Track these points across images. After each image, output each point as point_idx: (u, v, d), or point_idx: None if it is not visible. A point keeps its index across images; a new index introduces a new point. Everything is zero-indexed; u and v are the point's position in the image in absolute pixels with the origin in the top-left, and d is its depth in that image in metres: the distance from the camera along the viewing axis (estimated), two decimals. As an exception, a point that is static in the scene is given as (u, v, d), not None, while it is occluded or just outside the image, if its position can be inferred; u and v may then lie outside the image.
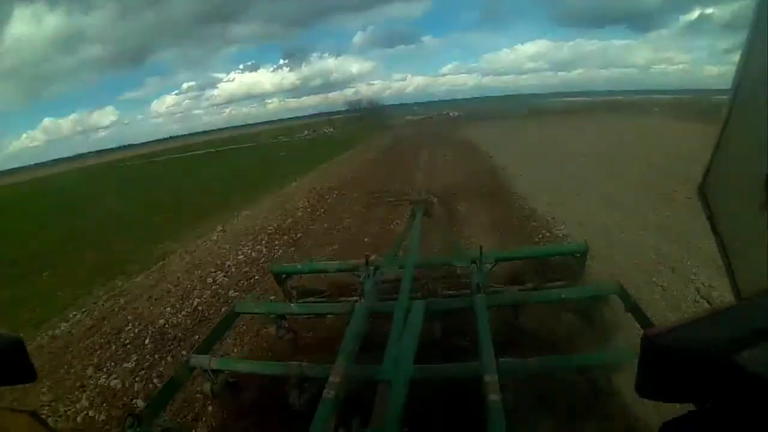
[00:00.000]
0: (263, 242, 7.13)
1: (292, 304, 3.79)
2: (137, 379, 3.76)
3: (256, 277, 5.56)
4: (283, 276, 3.91)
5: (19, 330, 5.12)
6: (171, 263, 6.75)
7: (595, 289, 3.36)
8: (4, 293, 6.67)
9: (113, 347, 4.36)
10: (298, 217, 8.66)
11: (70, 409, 3.50)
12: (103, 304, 5.52)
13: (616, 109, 29.03)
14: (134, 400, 3.46)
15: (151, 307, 5.13)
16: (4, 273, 7.81)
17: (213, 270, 6.04)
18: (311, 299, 3.94)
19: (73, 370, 4.09)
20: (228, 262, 6.27)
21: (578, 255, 3.62)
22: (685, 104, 27.18)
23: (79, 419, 3.38)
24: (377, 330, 2.74)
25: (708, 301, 3.98)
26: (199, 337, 4.30)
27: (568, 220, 6.66)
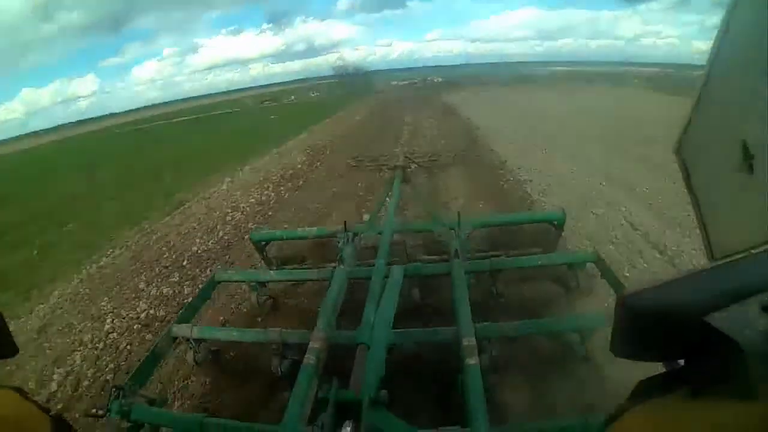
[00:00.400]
0: (270, 189, 7.95)
1: (272, 271, 3.82)
2: (184, 287, 4.66)
3: (269, 214, 6.48)
4: (263, 243, 3.95)
5: (64, 267, 5.97)
6: (190, 208, 7.55)
7: (572, 256, 3.49)
8: (40, 236, 7.46)
9: (156, 269, 5.23)
10: (297, 169, 9.45)
11: (131, 312, 4.36)
12: (137, 241, 6.36)
13: (596, 80, 29.65)
14: (185, 300, 4.38)
15: (182, 240, 5.99)
16: (31, 226, 8.51)
17: (230, 211, 6.89)
18: (290, 266, 4.01)
19: (126, 287, 4.96)
20: (242, 205, 7.12)
21: (555, 223, 3.66)
22: (665, 77, 27.88)
23: (142, 317, 4.28)
24: (361, 296, 2.73)
25: (632, 225, 5.00)
26: (229, 258, 5.22)
27: (532, 169, 7.59)
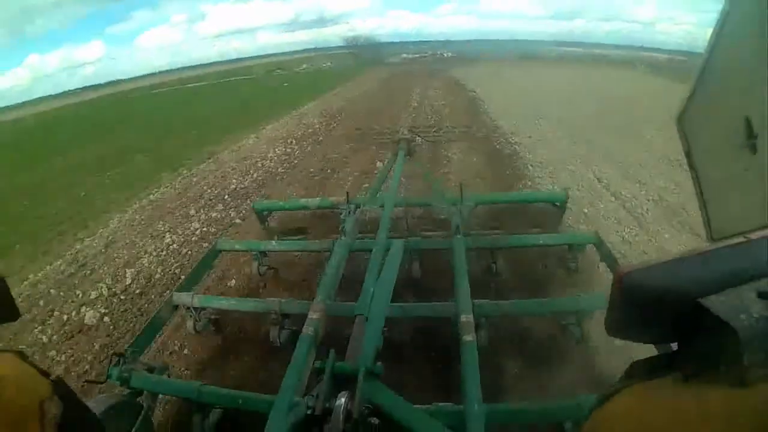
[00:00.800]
0: (293, 144, 8.82)
1: (273, 242, 3.81)
2: (230, 212, 5.60)
3: (295, 162, 7.38)
4: (265, 213, 3.98)
5: (113, 204, 6.89)
6: (222, 158, 8.44)
7: (573, 237, 3.50)
8: (85, 182, 8.38)
9: (202, 201, 6.16)
10: (316, 128, 10.28)
11: (186, 231, 5.28)
12: (179, 182, 7.28)
13: (602, 61, 29.89)
14: (235, 220, 5.32)
15: (220, 181, 6.91)
16: (72, 175, 9.42)
17: (259, 159, 7.79)
18: (292, 237, 4.02)
19: (178, 214, 5.88)
20: (270, 155, 8.02)
21: (558, 204, 3.68)
22: (670, 63, 27.98)
23: (196, 233, 5.20)
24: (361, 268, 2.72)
25: (598, 180, 5.87)
26: (264, 192, 6.15)
27: (522, 134, 8.48)
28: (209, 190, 6.53)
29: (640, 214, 4.85)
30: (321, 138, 9.17)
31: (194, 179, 7.29)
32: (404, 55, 42.59)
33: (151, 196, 6.91)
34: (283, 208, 4.19)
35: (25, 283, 4.63)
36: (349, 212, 3.42)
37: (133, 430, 1.95)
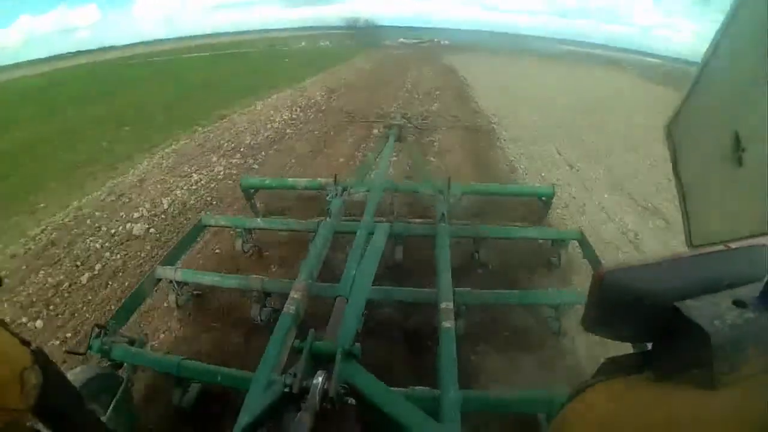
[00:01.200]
0: (297, 111, 9.81)
1: (258, 219, 3.86)
2: (248, 160, 6.64)
3: (300, 126, 8.47)
4: (252, 191, 4.01)
5: (141, 150, 7.74)
6: (233, 119, 9.37)
7: (557, 232, 3.56)
8: (104, 134, 9.24)
9: (220, 152, 7.13)
10: (317, 99, 11.24)
11: (211, 172, 6.27)
12: (197, 137, 8.21)
13: (592, 60, 31.07)
14: (253, 165, 6.32)
15: (234, 137, 7.89)
16: (91, 128, 10.19)
17: (268, 122, 8.76)
18: (278, 216, 4.04)
19: (200, 160, 6.84)
20: (277, 118, 8.99)
21: (544, 198, 3.76)
22: (658, 68, 29.13)
23: (220, 174, 6.17)
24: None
25: (558, 152, 7.05)
26: (277, 147, 7.15)
27: (499, 114, 9.64)
28: (226, 144, 7.51)
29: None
30: (324, 107, 10.20)
31: (210, 135, 8.23)
32: (402, 40, 43.08)
33: (173, 147, 7.82)
34: (270, 186, 4.20)
35: (68, 208, 5.42)
36: (336, 194, 3.47)
37: (113, 401, 1.96)
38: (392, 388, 1.65)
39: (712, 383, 0.47)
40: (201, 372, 2.10)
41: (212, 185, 5.79)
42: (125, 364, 2.16)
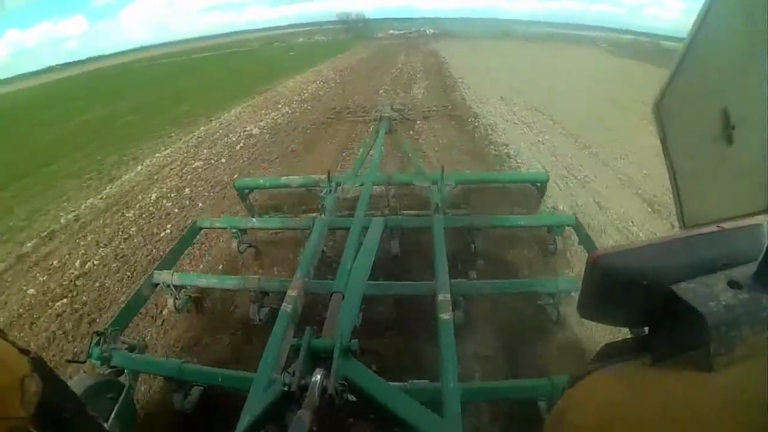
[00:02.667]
0: (321, 83, 13.78)
1: (254, 219, 3.84)
2: (303, 106, 10.39)
3: (328, 90, 12.48)
4: (246, 191, 3.95)
5: (221, 108, 11.09)
6: (277, 89, 13.23)
7: (552, 219, 3.53)
8: (188, 102, 12.86)
9: (279, 105, 10.83)
10: (333, 76, 15.24)
11: (279, 112, 9.91)
12: (257, 100, 11.94)
13: (569, 40, 34.43)
14: (308, 107, 10.11)
15: (284, 97, 11.67)
16: (174, 98, 13.75)
17: (304, 90, 12.58)
18: (272, 214, 4.04)
19: (268, 108, 10.52)
20: (308, 89, 12.90)
21: (538, 184, 3.72)
22: (634, 45, 31.66)
23: (287, 111, 9.86)
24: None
25: (501, 96, 10.96)
26: (317, 102, 10.87)
27: (473, 86, 12.65)
28: (281, 100, 11.34)
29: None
30: (339, 80, 14.17)
31: (267, 97, 12.09)
32: (391, 31, 46.99)
33: (245, 104, 11.47)
34: (264, 186, 4.17)
35: (201, 129, 9.07)
36: (330, 190, 3.45)
37: (115, 409, 1.96)
38: (391, 383, 1.65)
39: (709, 365, 0.47)
40: (202, 374, 2.11)
41: (280, 120, 9.41)
42: (126, 370, 2.16)
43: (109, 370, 2.13)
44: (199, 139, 8.36)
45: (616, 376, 0.58)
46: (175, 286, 2.83)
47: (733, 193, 0.58)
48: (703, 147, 0.62)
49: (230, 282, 2.86)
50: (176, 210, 5.12)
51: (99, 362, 2.09)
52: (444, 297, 2.22)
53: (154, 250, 4.21)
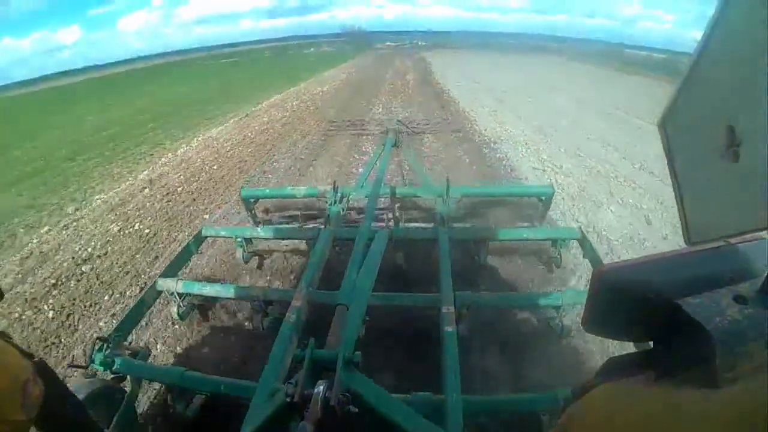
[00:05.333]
0: (348, 74, 20.35)
1: (259, 228, 3.80)
2: (337, 88, 16.60)
3: (352, 76, 19.44)
4: (252, 200, 3.93)
5: (268, 92, 16.85)
6: (319, 77, 19.66)
7: (557, 232, 3.55)
8: (241, 91, 18.69)
9: (319, 86, 16.93)
10: (353, 71, 21.91)
11: (323, 89, 16.12)
12: (309, 82, 18.18)
13: (545, 51, 40.16)
14: (341, 88, 16.42)
15: (319, 86, 17.54)
16: (217, 90, 19.53)
17: (328, 84, 18.26)
18: (278, 224, 4.08)
19: (313, 89, 16.58)
20: (338, 77, 19.41)
21: (543, 198, 3.68)
22: (616, 55, 37.18)
23: (327, 91, 15.94)
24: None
25: (461, 84, 17.90)
26: (345, 85, 17.42)
27: (443, 74, 19.42)
28: (326, 81, 17.90)
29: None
30: (352, 78, 20.17)
31: (316, 78, 18.66)
32: (388, 43, 55.58)
33: (305, 82, 17.83)
34: (270, 195, 4.15)
35: (275, 97, 14.88)
36: (335, 201, 3.48)
37: (117, 415, 1.97)
38: (394, 395, 1.63)
39: (714, 381, 0.47)
40: (204, 383, 2.09)
41: (332, 87, 15.66)
42: (129, 376, 2.15)
43: (112, 376, 2.11)
44: (289, 93, 15.50)
45: (619, 391, 0.58)
46: (179, 293, 2.84)
47: (739, 209, 0.57)
48: (708, 163, 0.62)
49: (234, 291, 2.84)
50: (307, 104, 12.44)
51: (101, 368, 2.08)
52: (448, 309, 2.23)
53: (301, 114, 11.06)
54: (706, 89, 0.65)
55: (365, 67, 24.78)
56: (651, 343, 0.61)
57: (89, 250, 4.60)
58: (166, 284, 2.81)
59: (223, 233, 3.66)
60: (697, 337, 0.49)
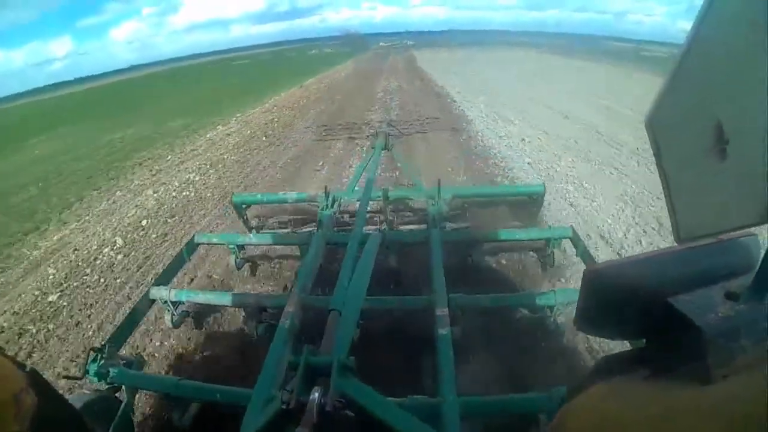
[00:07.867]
0: (349, 70, 24.84)
1: (251, 235, 3.81)
2: (347, 78, 21.13)
3: (357, 71, 24.13)
4: (243, 206, 3.92)
5: (280, 89, 20.77)
6: (332, 70, 24.79)
7: (549, 232, 3.49)
8: (262, 85, 22.54)
9: (333, 76, 21.83)
10: (356, 65, 27.02)
11: (337, 78, 21.01)
12: (324, 74, 22.81)
13: (527, 45, 43.00)
14: (351, 76, 21.34)
15: (331, 76, 22.09)
16: (267, 78, 23.62)
17: (337, 76, 22.84)
18: (269, 230, 4.05)
19: (332, 77, 21.43)
20: (343, 73, 23.84)
21: (535, 197, 3.72)
22: (617, 51, 37.74)
23: (340, 79, 20.82)
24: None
25: (436, 68, 22.17)
26: (351, 79, 21.94)
27: (427, 63, 24.30)
28: (340, 72, 23.15)
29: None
30: (356, 71, 24.39)
31: (332, 70, 23.93)
32: (381, 43, 59.19)
33: (320, 74, 22.65)
34: (261, 201, 4.08)
35: (293, 88, 18.99)
36: (327, 206, 3.47)
37: (113, 425, 1.95)
38: (389, 398, 1.60)
39: (707, 377, 0.47)
40: (199, 391, 2.06)
41: (343, 76, 20.21)
42: (124, 386, 2.14)
43: (107, 386, 2.09)
44: (318, 78, 21.26)
45: (614, 389, 0.58)
46: (172, 302, 2.83)
47: (727, 206, 0.57)
48: (697, 160, 0.61)
49: (227, 298, 2.83)
50: (320, 86, 17.68)
51: (96, 378, 2.06)
52: (442, 311, 2.21)
53: (334, 85, 17.49)
54: (693, 87, 0.65)
55: (367, 60, 31.61)
56: (644, 341, 0.62)
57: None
58: (159, 293, 2.79)
59: (215, 240, 3.67)
60: (689, 334, 0.50)
